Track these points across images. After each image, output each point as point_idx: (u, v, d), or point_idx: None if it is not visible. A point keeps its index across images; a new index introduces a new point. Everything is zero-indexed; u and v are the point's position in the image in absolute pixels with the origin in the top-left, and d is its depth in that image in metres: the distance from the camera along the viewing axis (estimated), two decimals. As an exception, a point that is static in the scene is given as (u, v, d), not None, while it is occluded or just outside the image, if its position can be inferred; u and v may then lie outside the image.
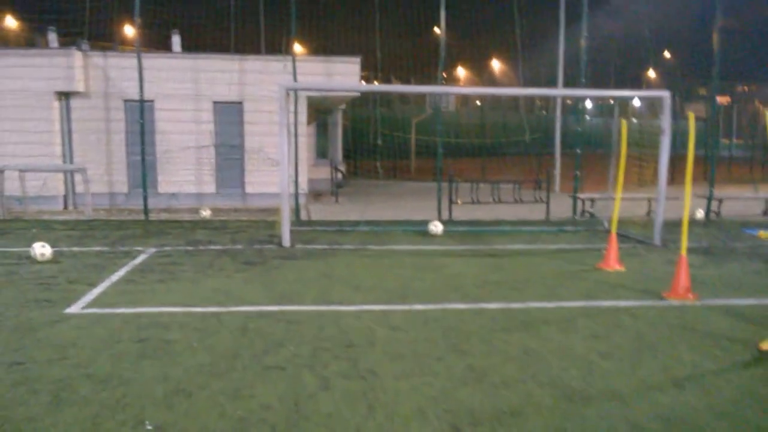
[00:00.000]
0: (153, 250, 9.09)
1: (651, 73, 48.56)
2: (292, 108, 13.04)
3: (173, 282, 7.03)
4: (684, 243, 6.25)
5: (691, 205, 13.76)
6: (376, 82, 29.04)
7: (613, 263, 7.82)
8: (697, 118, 12.00)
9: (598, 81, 20.27)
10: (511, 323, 5.49)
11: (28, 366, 4.37)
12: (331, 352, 4.71)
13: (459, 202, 13.62)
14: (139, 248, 9.20)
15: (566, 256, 8.98)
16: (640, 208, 13.41)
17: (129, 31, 29.91)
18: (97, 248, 9.23)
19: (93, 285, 6.86)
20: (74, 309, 5.90)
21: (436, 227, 11.05)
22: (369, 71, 26.72)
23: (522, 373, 4.29)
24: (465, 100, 46.97)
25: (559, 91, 12.48)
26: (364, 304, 6.11)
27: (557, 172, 19.41)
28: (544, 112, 45.61)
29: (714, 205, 13.43)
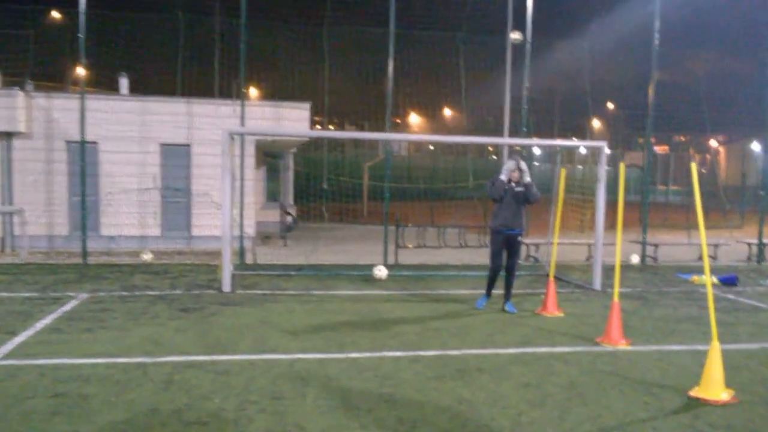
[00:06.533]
0: (85, 295, 8.72)
1: (596, 123, 50.62)
2: (238, 152, 12.99)
3: (101, 331, 6.71)
4: (616, 288, 6.36)
5: (627, 251, 14.28)
6: (331, 127, 29.18)
7: (551, 308, 7.90)
8: (634, 166, 12.53)
9: (544, 128, 20.97)
10: (446, 371, 5.43)
11: (-75, 426, 4.05)
12: (258, 405, 4.52)
13: (410, 246, 13.66)
14: (71, 294, 8.81)
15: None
16: (581, 253, 13.69)
17: (80, 71, 29.53)
18: (27, 294, 8.79)
19: (14, 334, 6.49)
20: (-11, 361, 5.55)
21: (381, 272, 10.99)
22: (322, 116, 26.94)
23: (452, 423, 4.20)
24: (418, 145, 47.72)
25: (504, 140, 12.82)
26: (299, 353, 5.94)
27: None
28: (494, 157, 46.66)
29: (650, 250, 13.82)
